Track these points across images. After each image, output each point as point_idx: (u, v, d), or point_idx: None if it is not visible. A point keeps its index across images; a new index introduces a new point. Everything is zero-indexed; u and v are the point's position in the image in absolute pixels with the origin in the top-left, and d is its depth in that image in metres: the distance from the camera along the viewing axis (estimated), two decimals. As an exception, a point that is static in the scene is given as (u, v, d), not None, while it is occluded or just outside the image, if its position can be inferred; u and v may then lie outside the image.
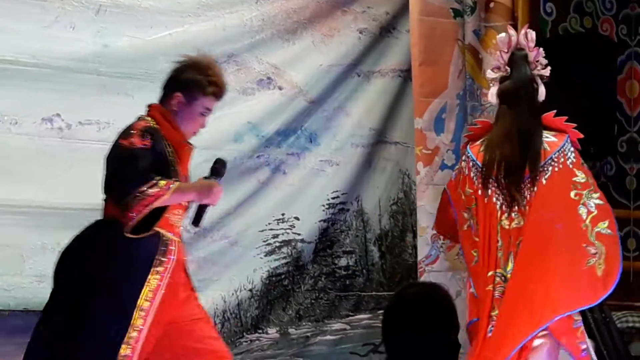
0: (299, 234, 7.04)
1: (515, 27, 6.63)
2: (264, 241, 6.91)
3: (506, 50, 5.18)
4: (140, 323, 4.55)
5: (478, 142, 5.16)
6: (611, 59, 6.86)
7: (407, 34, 7.19)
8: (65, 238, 6.24)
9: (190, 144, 4.98)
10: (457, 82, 6.89)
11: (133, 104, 6.55)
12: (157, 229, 4.72)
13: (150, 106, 4.98)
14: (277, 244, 6.96)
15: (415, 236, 7.37)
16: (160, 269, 4.66)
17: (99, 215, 6.30)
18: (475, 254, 5.07)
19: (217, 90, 4.97)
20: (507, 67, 5.15)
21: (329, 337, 7.16)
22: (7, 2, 6.32)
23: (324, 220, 7.14)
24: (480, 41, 6.81)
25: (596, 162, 7.36)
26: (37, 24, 6.37)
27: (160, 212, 4.68)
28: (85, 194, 6.36)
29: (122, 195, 4.61)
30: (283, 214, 6.99)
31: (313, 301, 7.12)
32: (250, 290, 6.88)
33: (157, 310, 4.59)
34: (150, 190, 4.56)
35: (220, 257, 6.78)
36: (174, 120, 4.89)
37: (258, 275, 6.89)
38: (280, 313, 7.00)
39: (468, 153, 5.12)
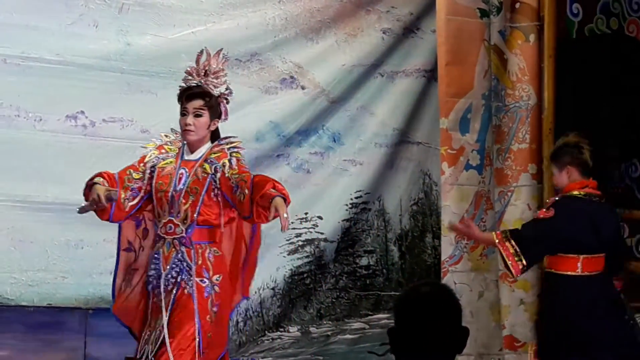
0: (322, 233, 7.03)
1: (542, 28, 6.63)
2: (287, 240, 6.90)
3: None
4: None
5: None
6: (637, 60, 6.83)
7: (431, 34, 7.17)
8: (88, 234, 6.31)
9: None
10: (483, 82, 6.86)
11: (156, 102, 6.61)
12: None
13: None
14: (300, 243, 6.96)
15: (435, 236, 7.36)
16: None
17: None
18: None
19: None
20: None
21: (348, 336, 7.16)
22: (31, 0, 6.34)
23: (347, 220, 7.13)
24: (505, 42, 6.77)
25: (621, 163, 7.32)
26: (61, 22, 6.39)
27: None
28: (108, 191, 6.39)
29: None
30: (306, 213, 6.99)
31: (334, 300, 7.12)
32: (273, 288, 6.88)
33: None
34: None
35: (244, 255, 6.78)
36: None
37: (281, 273, 6.89)
38: (301, 312, 7.00)
39: None
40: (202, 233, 4.91)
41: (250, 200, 4.77)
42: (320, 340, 7.04)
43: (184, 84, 5.06)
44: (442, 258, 6.88)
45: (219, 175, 4.91)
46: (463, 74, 6.83)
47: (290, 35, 7.03)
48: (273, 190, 4.70)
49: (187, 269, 4.86)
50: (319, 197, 7.03)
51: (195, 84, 5.01)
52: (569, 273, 5.64)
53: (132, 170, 5.00)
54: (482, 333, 6.78)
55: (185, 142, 5.02)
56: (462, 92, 6.86)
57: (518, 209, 6.70)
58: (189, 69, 5.10)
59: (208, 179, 4.92)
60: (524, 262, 5.60)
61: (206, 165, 4.95)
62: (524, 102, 6.74)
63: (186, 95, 5.01)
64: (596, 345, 5.55)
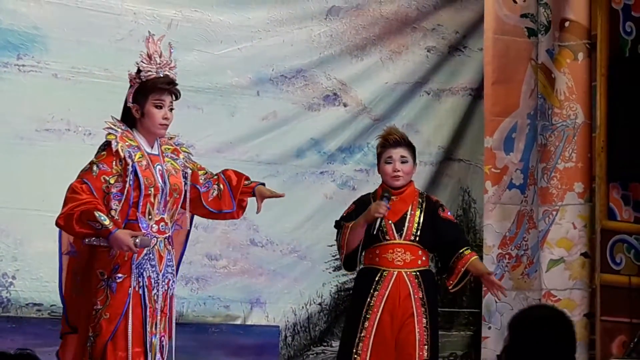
0: (367, 250, 7.06)
1: (594, 47, 6.63)
2: (333, 256, 6.91)
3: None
4: None
5: None
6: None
7: (478, 53, 7.22)
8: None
9: None
10: (529, 101, 6.88)
11: (202, 118, 6.68)
12: None
13: None
14: (345, 259, 6.99)
15: (474, 254, 7.36)
16: None
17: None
18: None
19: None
20: None
21: (390, 352, 7.17)
22: (82, 15, 6.42)
23: (391, 236, 7.16)
24: (553, 60, 6.78)
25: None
26: (111, 37, 6.47)
27: None
28: (156, 205, 6.44)
29: None
30: (352, 230, 7.02)
31: (376, 316, 7.13)
32: (320, 304, 6.92)
33: None
34: None
35: (290, 270, 6.84)
36: None
37: (327, 289, 6.96)
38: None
39: None
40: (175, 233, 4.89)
41: (230, 192, 4.82)
42: (361, 355, 7.07)
43: (151, 71, 4.93)
44: (484, 276, 6.88)
45: (188, 171, 4.88)
46: (509, 93, 6.85)
47: (335, 52, 7.10)
48: (251, 182, 4.89)
49: (173, 271, 4.82)
50: (364, 214, 7.07)
51: (161, 75, 4.92)
52: None
53: (106, 177, 4.78)
54: (523, 351, 6.78)
55: (137, 134, 4.87)
56: (507, 112, 6.88)
57: (563, 228, 6.70)
58: (149, 56, 4.98)
59: (182, 175, 4.85)
60: None
61: (171, 161, 4.86)
62: (571, 121, 6.74)
63: (166, 87, 4.92)
64: None
